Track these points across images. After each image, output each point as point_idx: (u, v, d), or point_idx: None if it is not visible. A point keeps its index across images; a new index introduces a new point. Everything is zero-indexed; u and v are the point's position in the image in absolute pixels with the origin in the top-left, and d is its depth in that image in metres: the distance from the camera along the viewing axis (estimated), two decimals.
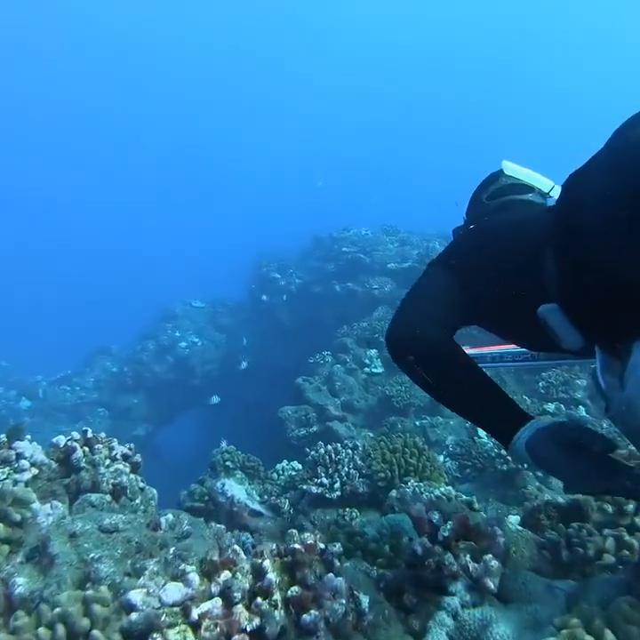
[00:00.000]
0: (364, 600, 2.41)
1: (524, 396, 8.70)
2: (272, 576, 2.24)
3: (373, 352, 10.90)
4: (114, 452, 3.72)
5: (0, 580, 2.27)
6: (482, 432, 8.09)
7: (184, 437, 22.24)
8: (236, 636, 2.02)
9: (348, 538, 3.54)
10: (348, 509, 5.25)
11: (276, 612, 2.14)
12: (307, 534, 2.52)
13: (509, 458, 6.85)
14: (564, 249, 1.72)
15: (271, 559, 2.35)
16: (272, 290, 19.21)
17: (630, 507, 3.06)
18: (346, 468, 5.48)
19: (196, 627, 2.03)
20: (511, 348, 2.99)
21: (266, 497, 6.43)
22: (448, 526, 2.97)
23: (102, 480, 3.44)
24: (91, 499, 3.15)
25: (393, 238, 17.84)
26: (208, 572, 2.29)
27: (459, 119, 59.71)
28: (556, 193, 2.54)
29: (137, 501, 3.61)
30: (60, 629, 1.97)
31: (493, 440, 7.77)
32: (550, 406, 8.28)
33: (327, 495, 5.35)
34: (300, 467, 7.02)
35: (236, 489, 5.99)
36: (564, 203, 1.84)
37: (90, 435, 3.74)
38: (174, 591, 2.15)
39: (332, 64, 58.08)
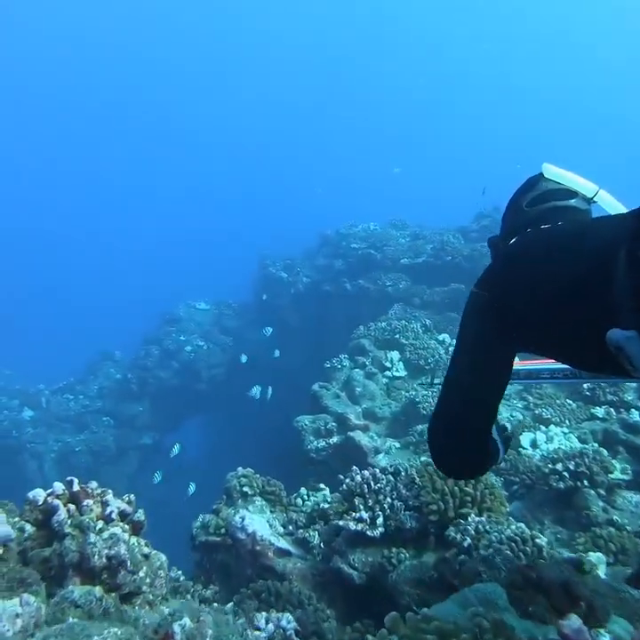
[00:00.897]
0: None
1: (568, 400, 7.77)
2: None
3: (394, 354, 9.95)
4: (108, 510, 2.77)
5: None
6: (526, 442, 7.20)
7: (192, 444, 21.38)
8: None
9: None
10: (394, 550, 4.32)
11: None
12: None
13: (565, 474, 5.94)
14: None
15: None
16: (278, 290, 18.30)
17: None
18: (388, 499, 4.53)
19: None
20: (548, 363, 2.63)
21: (291, 528, 5.51)
22: None
23: (93, 552, 2.51)
24: (73, 596, 2.21)
25: (403, 233, 16.92)
26: None
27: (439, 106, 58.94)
28: (601, 197, 2.34)
29: (141, 574, 2.67)
30: None
31: (546, 451, 6.93)
32: (599, 411, 7.34)
33: (369, 533, 4.40)
34: (326, 491, 6.08)
35: (257, 523, 5.06)
36: None
37: (76, 487, 2.80)
38: None
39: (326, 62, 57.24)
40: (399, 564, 4.26)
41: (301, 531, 5.25)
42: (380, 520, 4.43)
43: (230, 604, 4.70)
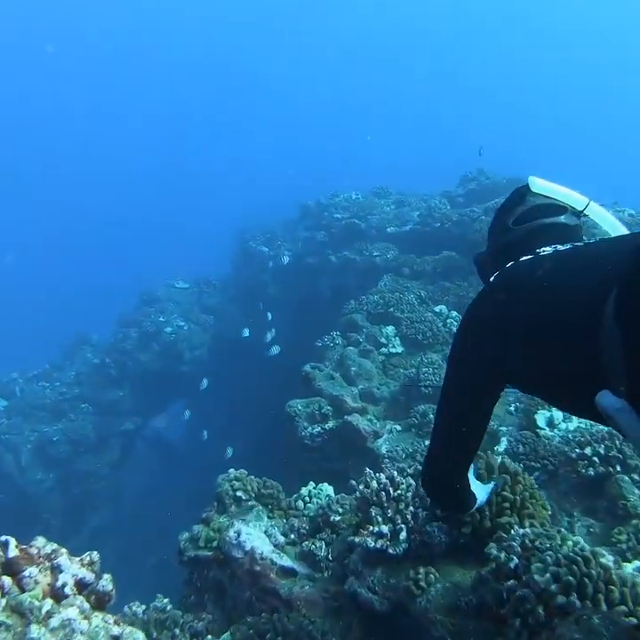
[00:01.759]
0: None
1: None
2: None
3: (390, 329, 9.18)
4: (61, 581, 1.95)
5: None
6: (542, 422, 6.50)
7: (177, 429, 20.60)
8: None
9: None
10: (421, 570, 3.56)
11: None
12: None
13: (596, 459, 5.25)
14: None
15: None
16: (259, 264, 17.42)
17: None
18: (411, 508, 3.77)
19: None
20: None
21: (293, 536, 4.75)
22: None
23: None
24: None
25: (387, 201, 16.09)
26: None
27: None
28: (592, 211, 2.25)
29: None
30: None
31: (565, 431, 6.23)
32: None
33: (390, 551, 3.64)
34: (330, 490, 5.32)
35: (256, 539, 4.29)
36: None
37: (13, 551, 1.96)
38: None
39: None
40: (429, 587, 3.51)
41: (306, 543, 4.49)
42: (402, 534, 3.66)
43: (227, 635, 3.96)
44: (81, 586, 2.08)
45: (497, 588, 3.27)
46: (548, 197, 2.29)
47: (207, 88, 57.19)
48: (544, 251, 2.08)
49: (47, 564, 2.06)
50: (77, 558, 2.20)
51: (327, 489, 5.25)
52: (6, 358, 17.98)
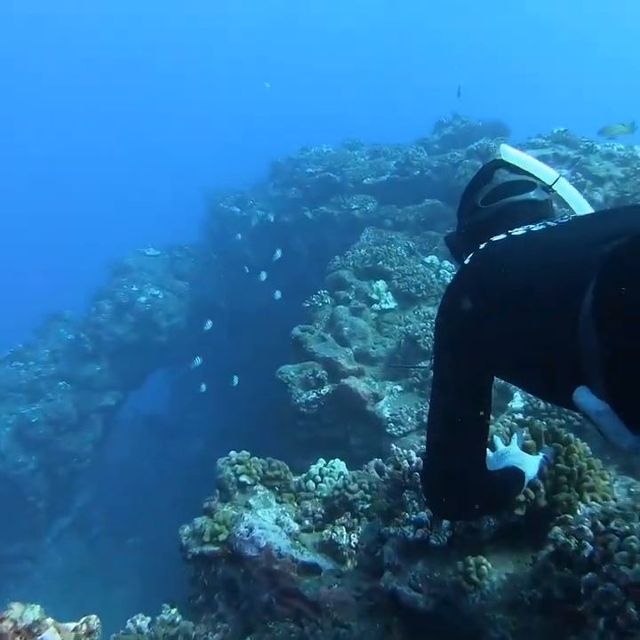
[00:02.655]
0: None
1: None
2: None
3: (380, 284, 8.55)
4: None
5: None
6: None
7: (159, 400, 20.00)
8: None
9: None
10: (471, 561, 3.00)
11: None
12: None
13: None
14: (618, 327, 1.30)
15: None
16: (232, 226, 16.60)
17: None
18: None
19: None
20: None
21: (307, 522, 4.19)
22: None
23: None
24: None
25: (360, 152, 15.32)
26: None
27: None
28: (560, 187, 2.20)
29: None
30: None
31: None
32: None
33: (433, 541, 3.08)
34: (342, 466, 4.76)
35: (271, 533, 3.70)
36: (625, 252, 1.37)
37: None
38: None
39: None
40: (482, 580, 2.97)
41: (326, 531, 3.92)
42: (445, 521, 3.10)
43: None
44: None
45: (566, 579, 2.73)
46: (515, 173, 2.24)
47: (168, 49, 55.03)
48: (516, 231, 1.95)
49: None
50: (71, 626, 1.58)
51: (339, 465, 4.69)
52: None
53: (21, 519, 13.58)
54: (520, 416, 5.48)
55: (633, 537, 2.61)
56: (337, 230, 12.84)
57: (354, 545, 3.91)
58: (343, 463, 4.72)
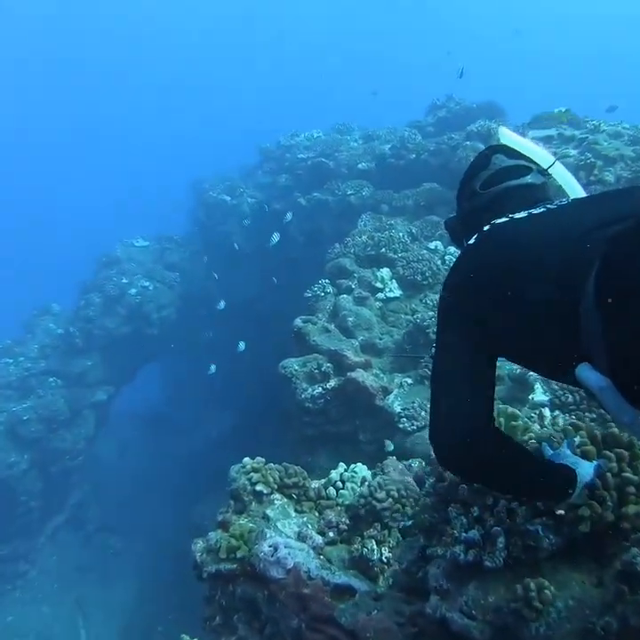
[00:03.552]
0: None
1: None
2: None
3: (385, 272, 8.15)
4: None
5: None
6: None
7: (152, 393, 19.61)
8: None
9: None
10: (532, 585, 2.64)
11: None
12: None
13: None
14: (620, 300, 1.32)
15: None
16: (222, 215, 16.12)
17: None
18: (503, 502, 2.82)
19: None
20: None
21: (331, 534, 3.82)
22: None
23: None
24: None
25: (353, 136, 14.87)
26: None
27: None
28: (555, 171, 2.29)
29: None
30: None
31: None
32: None
33: (488, 563, 2.71)
34: (364, 469, 4.38)
35: (297, 552, 3.32)
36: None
37: None
38: None
39: None
40: (546, 607, 2.61)
41: (356, 546, 3.55)
42: (500, 540, 2.73)
43: None
44: None
45: None
46: (512, 157, 2.26)
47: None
48: (518, 215, 1.97)
49: None
50: None
51: (362, 470, 4.31)
52: None
53: (14, 519, 13.20)
54: (547, 411, 5.14)
55: None
56: (331, 216, 12.44)
57: (385, 559, 3.55)
58: (365, 467, 4.35)
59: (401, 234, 8.89)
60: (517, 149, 2.31)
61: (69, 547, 14.61)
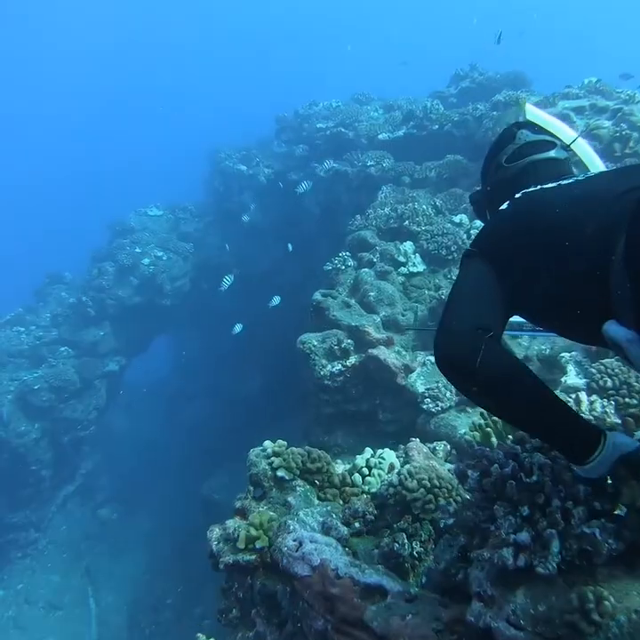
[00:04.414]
0: None
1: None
2: None
3: (408, 245, 7.80)
4: None
5: None
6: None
7: (163, 365, 19.40)
8: None
9: None
10: (589, 593, 2.35)
11: None
12: None
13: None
14: None
15: None
16: (238, 185, 15.74)
17: None
18: (557, 502, 2.52)
19: None
20: None
21: (357, 525, 3.54)
22: None
23: None
24: None
25: (373, 106, 14.37)
26: None
27: None
28: (578, 146, 2.35)
29: None
30: None
31: None
32: None
33: (540, 569, 2.42)
34: (391, 456, 4.09)
35: (324, 547, 3.04)
36: None
37: None
38: None
39: None
40: (605, 619, 2.32)
41: (386, 539, 3.27)
42: (554, 544, 2.43)
43: None
44: None
45: None
46: (537, 133, 2.28)
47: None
48: (548, 185, 1.97)
49: None
50: None
51: (390, 456, 4.02)
52: None
53: (25, 488, 13.09)
54: (583, 395, 4.83)
55: None
56: (350, 188, 12.04)
57: (417, 554, 3.28)
58: (393, 453, 4.06)
59: (425, 206, 8.51)
60: (542, 125, 2.35)
61: (79, 517, 14.55)
